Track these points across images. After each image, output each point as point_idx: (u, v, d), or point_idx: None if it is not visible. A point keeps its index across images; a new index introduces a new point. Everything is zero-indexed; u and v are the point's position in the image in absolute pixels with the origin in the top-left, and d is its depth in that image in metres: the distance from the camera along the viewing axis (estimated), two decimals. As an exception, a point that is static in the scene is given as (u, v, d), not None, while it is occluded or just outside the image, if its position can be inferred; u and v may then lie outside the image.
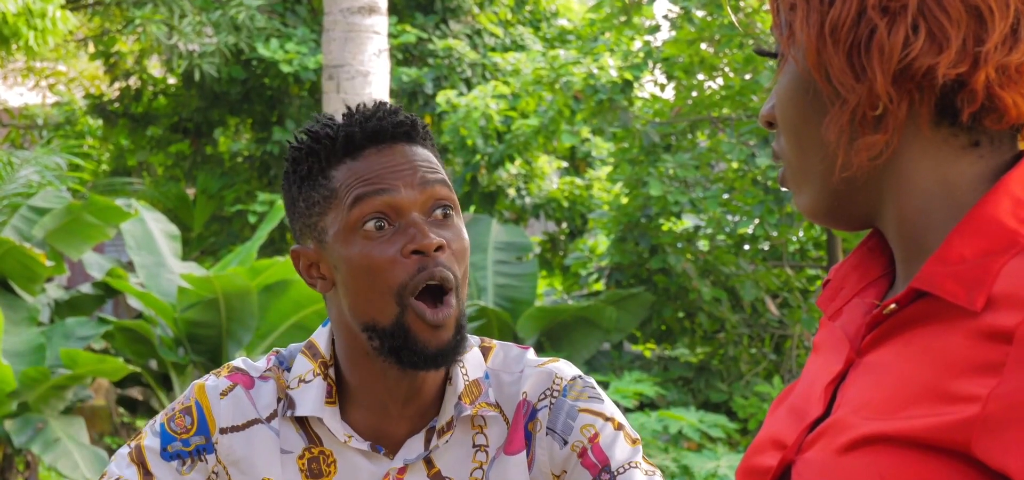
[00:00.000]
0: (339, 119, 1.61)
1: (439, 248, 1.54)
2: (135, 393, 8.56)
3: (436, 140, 1.64)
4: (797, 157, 1.08)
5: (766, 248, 8.76)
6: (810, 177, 1.08)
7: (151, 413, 8.15)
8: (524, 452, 1.63)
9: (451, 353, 1.56)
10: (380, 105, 1.61)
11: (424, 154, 1.60)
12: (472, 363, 1.65)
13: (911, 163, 1.03)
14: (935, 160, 1.02)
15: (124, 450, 1.67)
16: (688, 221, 8.63)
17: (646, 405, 7.88)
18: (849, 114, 1.01)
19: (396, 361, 1.56)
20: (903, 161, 1.03)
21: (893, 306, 1.02)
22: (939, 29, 0.98)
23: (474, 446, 1.64)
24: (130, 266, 8.85)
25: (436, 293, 1.55)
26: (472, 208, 10.00)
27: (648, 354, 8.98)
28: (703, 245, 8.72)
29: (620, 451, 1.61)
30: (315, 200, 1.58)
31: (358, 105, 1.62)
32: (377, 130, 1.58)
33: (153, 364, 7.92)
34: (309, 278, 1.62)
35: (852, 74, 1.00)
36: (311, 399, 1.63)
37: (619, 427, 1.63)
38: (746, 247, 8.66)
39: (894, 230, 1.06)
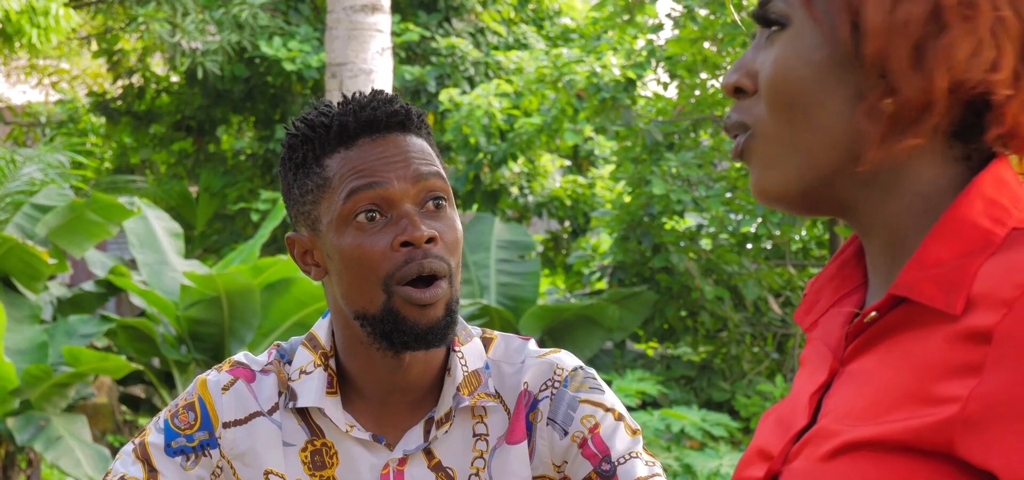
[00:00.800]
0: (335, 106, 1.61)
1: (430, 240, 1.54)
2: (137, 391, 8.56)
3: (434, 133, 1.63)
4: (785, 132, 1.04)
5: (768, 247, 8.75)
6: (792, 158, 1.04)
7: (154, 411, 8.15)
8: (525, 442, 1.63)
9: (441, 332, 1.56)
10: (376, 94, 1.61)
11: (419, 144, 1.59)
12: (472, 354, 1.65)
13: (910, 168, 1.02)
14: (932, 166, 1.02)
15: (129, 447, 1.68)
16: (691, 220, 8.63)
17: (648, 404, 7.87)
18: (893, 109, 0.99)
19: (388, 345, 1.57)
20: (906, 165, 1.02)
21: (874, 314, 1.02)
22: (999, 49, 0.97)
23: (474, 435, 1.64)
24: (133, 264, 8.85)
25: (427, 281, 1.55)
26: (475, 206, 10.00)
27: (650, 353, 8.98)
28: (706, 244, 8.71)
29: (620, 441, 1.61)
30: (309, 188, 1.59)
31: (354, 93, 1.62)
32: (371, 119, 1.58)
33: (156, 362, 7.92)
34: (303, 265, 1.63)
35: (913, 70, 0.98)
36: (312, 390, 1.63)
37: (620, 418, 1.64)
38: (749, 246, 8.66)
39: (877, 232, 1.05)
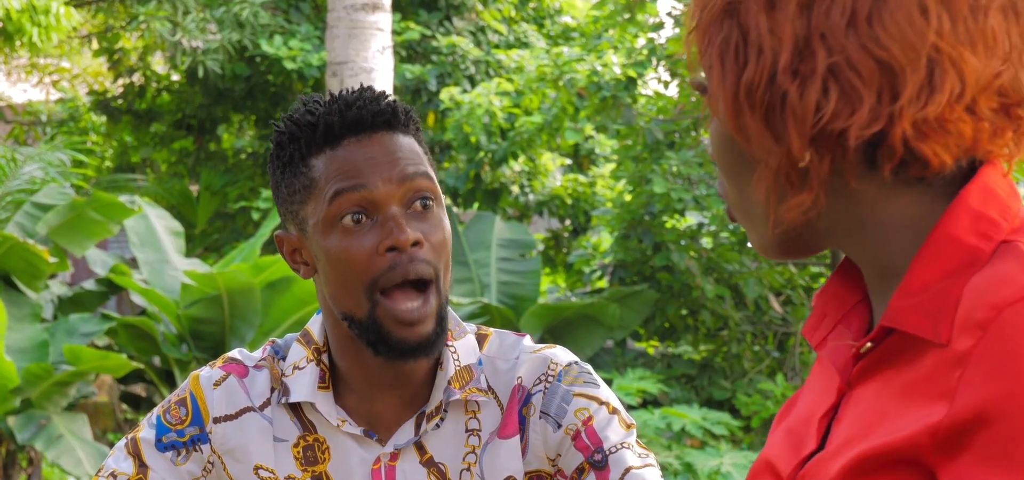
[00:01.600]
0: (322, 105, 1.58)
1: (416, 243, 1.53)
2: (138, 390, 8.56)
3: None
4: (739, 202, 1.06)
5: (769, 245, 8.74)
6: (753, 222, 1.06)
7: (154, 410, 8.16)
8: (518, 436, 1.62)
9: (432, 345, 1.56)
10: (363, 92, 1.59)
11: (406, 143, 1.57)
12: (465, 349, 1.64)
13: (859, 204, 1.00)
14: (884, 197, 0.99)
15: (121, 443, 1.68)
16: (691, 218, 8.62)
17: (649, 402, 7.87)
18: (772, 175, 0.99)
19: (374, 352, 1.56)
20: (853, 203, 1.00)
21: (869, 345, 1.01)
22: (851, 89, 0.95)
23: (467, 431, 1.63)
24: (133, 263, 8.86)
25: (416, 286, 1.54)
26: (475, 205, 10.00)
27: (651, 351, 8.97)
28: (706, 242, 8.70)
29: (614, 433, 1.60)
30: (296, 188, 1.57)
31: (341, 91, 1.60)
32: (357, 119, 1.55)
33: (156, 361, 7.92)
34: (292, 263, 1.62)
35: (771, 137, 0.98)
36: (305, 385, 1.63)
37: (614, 411, 1.62)
38: (749, 244, 8.65)
39: (861, 262, 1.04)
